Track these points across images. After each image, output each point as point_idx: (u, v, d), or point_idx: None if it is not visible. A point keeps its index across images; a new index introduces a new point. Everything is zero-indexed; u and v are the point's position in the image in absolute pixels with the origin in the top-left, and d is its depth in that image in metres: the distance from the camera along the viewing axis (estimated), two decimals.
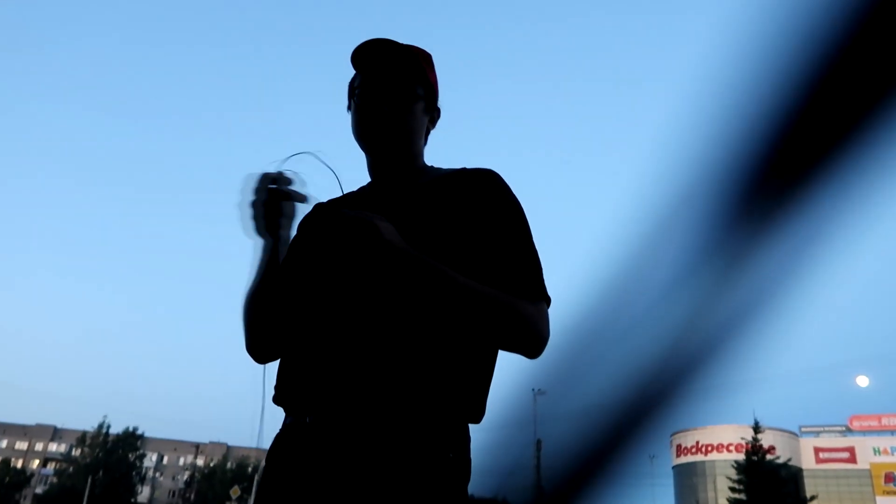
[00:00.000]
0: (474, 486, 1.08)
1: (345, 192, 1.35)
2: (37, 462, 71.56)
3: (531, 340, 1.09)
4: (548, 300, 1.15)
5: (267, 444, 1.14)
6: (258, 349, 1.25)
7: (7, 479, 51.66)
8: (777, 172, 0.65)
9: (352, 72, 1.32)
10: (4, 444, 72.81)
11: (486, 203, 1.17)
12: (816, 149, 0.62)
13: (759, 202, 0.67)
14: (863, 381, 30.57)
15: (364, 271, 1.04)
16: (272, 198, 1.19)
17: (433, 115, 1.34)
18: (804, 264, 0.66)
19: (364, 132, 1.26)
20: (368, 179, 1.34)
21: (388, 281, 1.04)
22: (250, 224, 1.21)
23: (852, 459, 54.68)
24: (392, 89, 1.24)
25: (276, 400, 1.15)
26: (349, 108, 1.31)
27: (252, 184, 1.20)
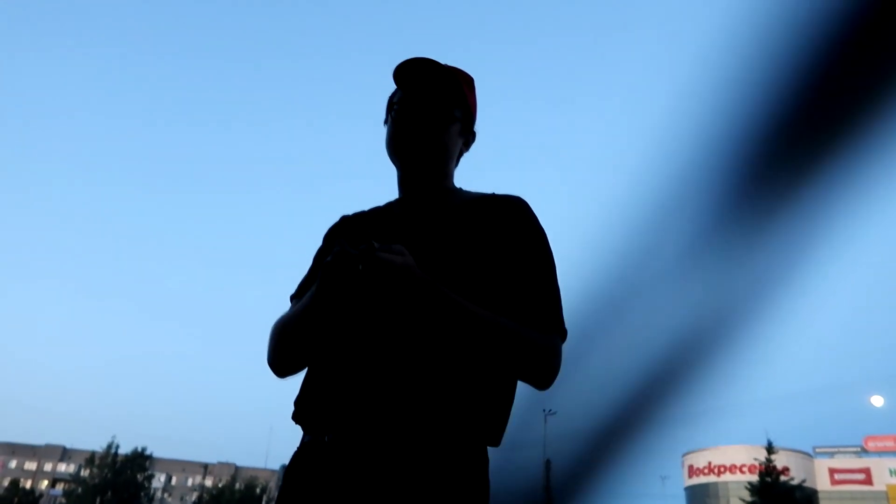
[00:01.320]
0: None
1: (372, 207, 1.37)
2: (46, 483, 71.34)
3: (541, 372, 1.11)
4: (563, 334, 1.15)
5: (275, 464, 1.14)
6: (281, 365, 1.25)
7: (16, 499, 51.48)
8: (779, 162, 0.63)
9: (392, 87, 1.33)
10: (14, 464, 72.68)
11: (513, 231, 1.19)
12: (819, 139, 0.60)
13: (761, 194, 0.65)
14: (878, 400, 30.11)
15: (386, 301, 1.05)
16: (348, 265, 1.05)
17: (468, 138, 1.35)
18: (805, 262, 0.64)
19: (398, 147, 1.27)
20: (396, 195, 1.35)
21: (406, 308, 1.05)
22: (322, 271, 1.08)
23: (868, 481, 53.71)
24: (430, 108, 1.25)
25: (296, 418, 1.16)
26: (386, 121, 1.33)
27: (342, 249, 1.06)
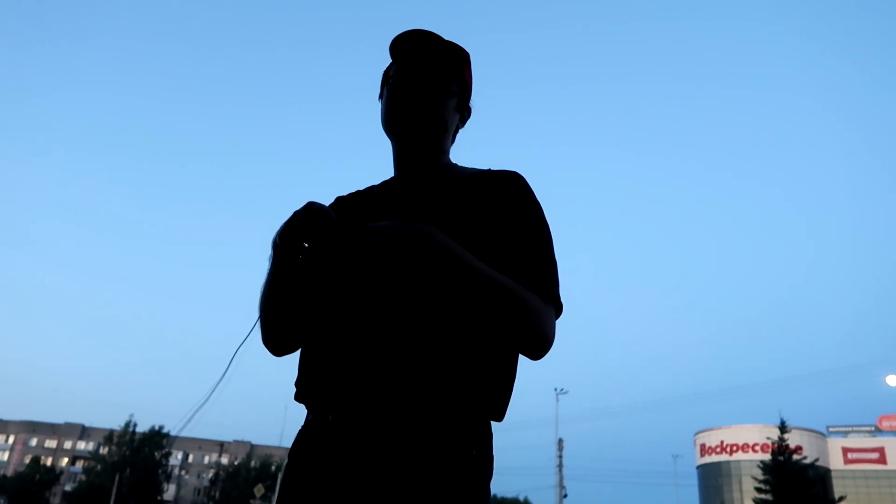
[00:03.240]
0: (497, 486, 1.07)
1: (368, 186, 1.34)
2: (66, 460, 72.77)
3: (536, 338, 1.08)
4: (558, 306, 1.13)
5: (290, 443, 1.14)
6: (275, 342, 1.23)
7: (37, 476, 52.62)
8: None
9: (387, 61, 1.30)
10: (34, 442, 74.14)
11: (509, 206, 1.16)
12: None
13: None
14: (892, 380, 29.91)
15: (414, 277, 1.03)
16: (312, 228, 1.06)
17: (464, 114, 1.33)
18: None
19: (394, 119, 1.24)
20: (392, 173, 1.32)
21: (421, 273, 1.03)
22: (281, 230, 1.10)
23: (882, 460, 53.64)
24: (427, 81, 1.23)
25: (298, 397, 1.15)
26: (381, 96, 1.30)
27: (307, 211, 1.07)
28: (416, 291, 1.06)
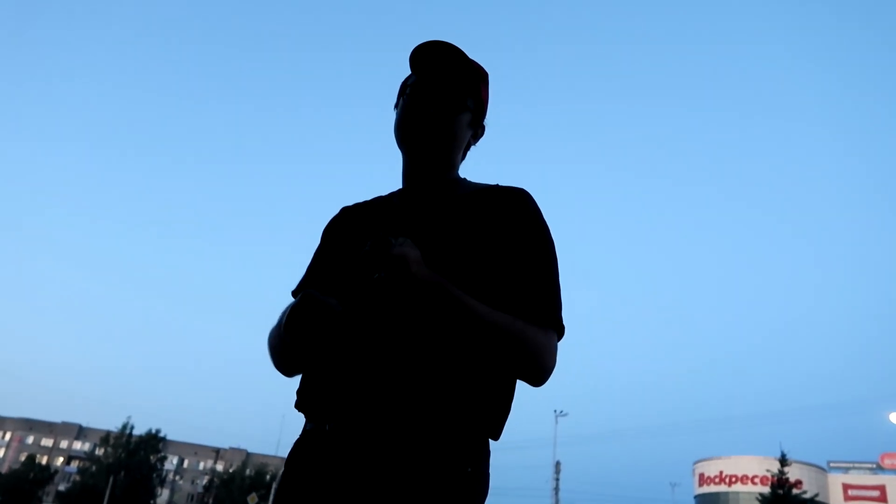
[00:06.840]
0: None
1: (374, 197, 1.35)
2: (61, 459, 72.51)
3: (535, 370, 1.10)
4: (560, 329, 1.14)
5: (286, 452, 1.14)
6: (285, 368, 1.24)
7: (32, 475, 52.38)
8: None
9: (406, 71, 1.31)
10: (31, 440, 73.95)
11: (515, 224, 1.17)
12: None
13: None
14: (895, 417, 29.62)
15: (390, 296, 1.04)
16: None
17: (477, 130, 1.33)
18: None
19: (406, 129, 1.25)
20: (398, 185, 1.33)
21: (409, 305, 1.05)
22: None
23: (883, 498, 52.84)
24: (443, 93, 1.23)
25: (298, 406, 1.16)
26: (396, 105, 1.31)
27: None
28: (418, 315, 1.07)
